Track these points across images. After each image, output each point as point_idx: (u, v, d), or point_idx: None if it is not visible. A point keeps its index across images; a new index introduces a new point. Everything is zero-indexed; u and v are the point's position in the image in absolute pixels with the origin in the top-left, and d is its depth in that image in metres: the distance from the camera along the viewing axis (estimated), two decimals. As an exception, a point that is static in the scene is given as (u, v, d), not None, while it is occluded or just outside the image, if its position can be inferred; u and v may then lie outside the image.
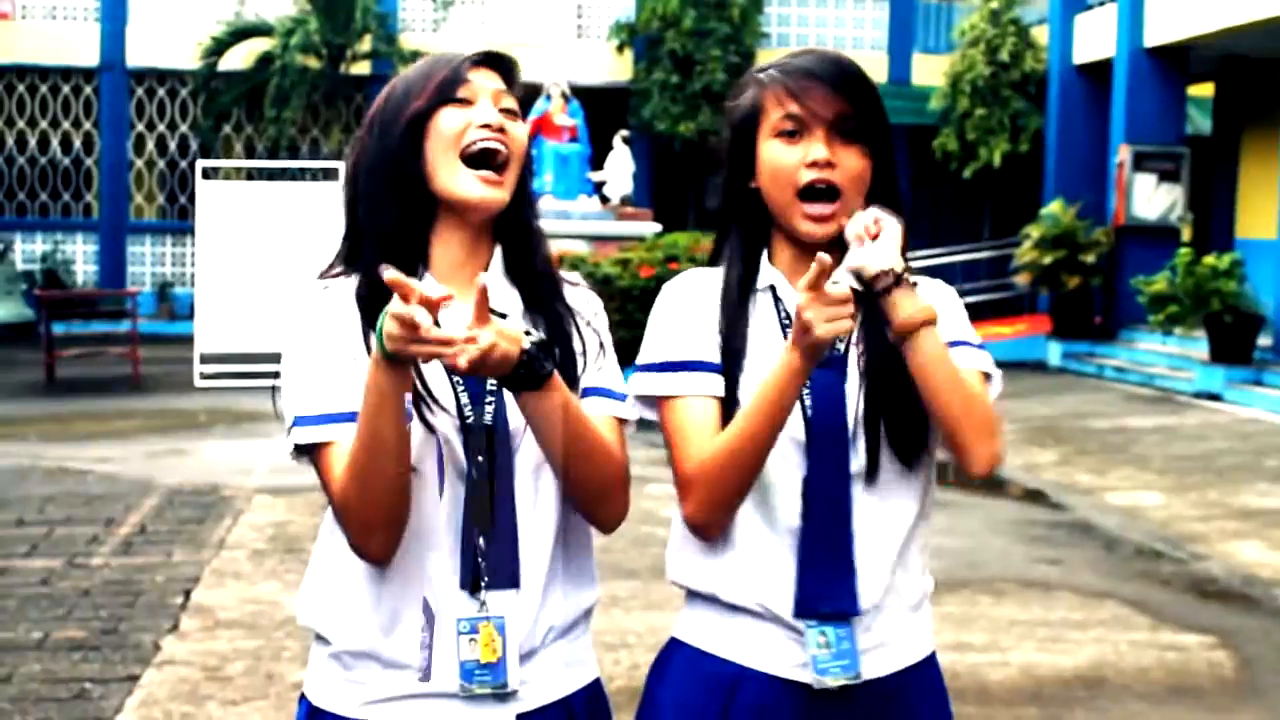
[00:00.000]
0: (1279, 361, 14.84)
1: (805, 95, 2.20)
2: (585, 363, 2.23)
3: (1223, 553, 8.17)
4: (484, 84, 2.17)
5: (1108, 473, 10.57)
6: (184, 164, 23.16)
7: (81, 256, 23.10)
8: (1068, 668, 6.03)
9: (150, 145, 23.44)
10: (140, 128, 23.37)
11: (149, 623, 6.37)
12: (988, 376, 2.28)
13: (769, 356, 2.20)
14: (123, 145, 23.02)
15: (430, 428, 2.09)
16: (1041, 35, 20.22)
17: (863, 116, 2.22)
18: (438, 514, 2.11)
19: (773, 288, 2.29)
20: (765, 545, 2.25)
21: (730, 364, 2.25)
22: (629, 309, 13.08)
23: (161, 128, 23.40)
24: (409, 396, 2.01)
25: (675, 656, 2.35)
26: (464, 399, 2.12)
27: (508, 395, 2.09)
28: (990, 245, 22.20)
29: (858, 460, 2.23)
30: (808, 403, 2.22)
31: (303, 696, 2.23)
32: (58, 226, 23.13)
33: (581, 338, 2.24)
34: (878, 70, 23.30)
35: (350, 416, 2.06)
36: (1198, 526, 8.80)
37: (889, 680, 2.28)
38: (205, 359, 15.37)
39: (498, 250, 2.23)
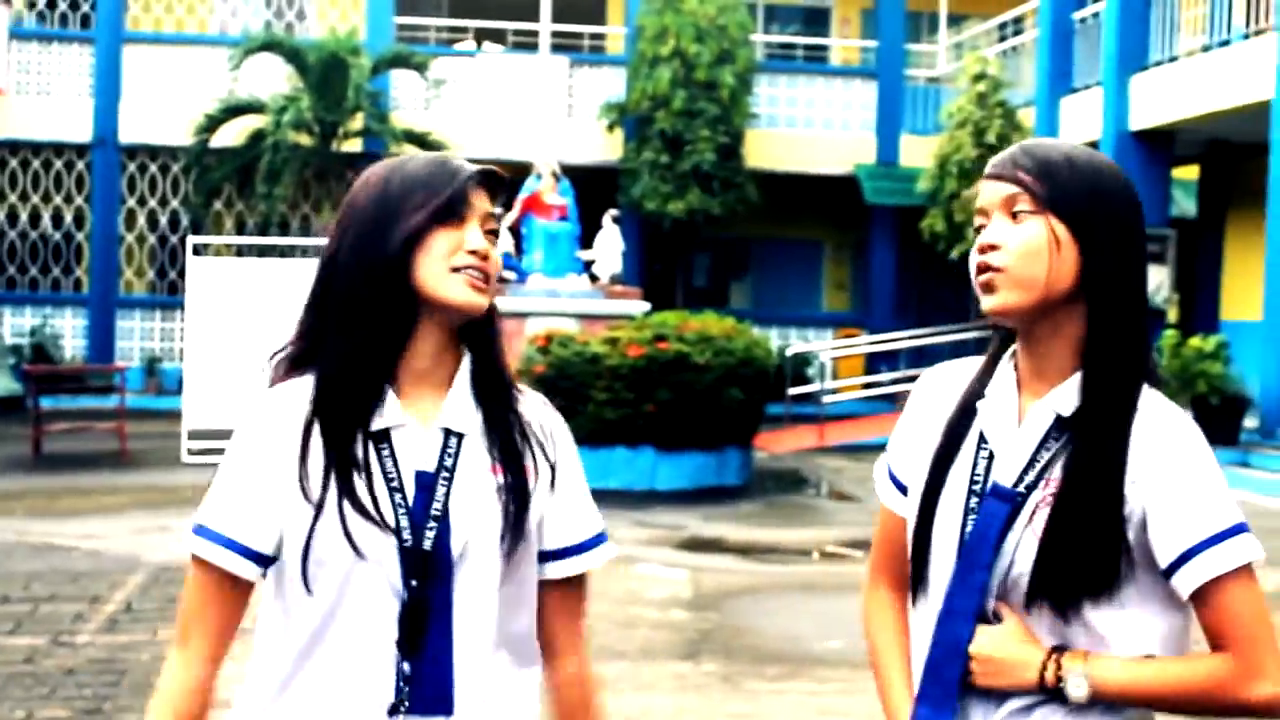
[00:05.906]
0: (1265, 444, 14.90)
1: (983, 191, 2.22)
2: (539, 481, 2.19)
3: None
4: (477, 204, 2.13)
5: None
6: (175, 239, 23.24)
7: (70, 331, 23.11)
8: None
9: (141, 220, 23.53)
10: (132, 203, 23.46)
11: (134, 702, 6.33)
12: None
13: (956, 475, 2.17)
14: (114, 220, 23.10)
15: (359, 552, 2.06)
16: (1028, 118, 20.40)
17: (1032, 192, 2.12)
18: (371, 637, 2.08)
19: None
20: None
21: (938, 473, 2.19)
22: (616, 387, 13.10)
23: (153, 203, 23.50)
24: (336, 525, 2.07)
25: None
26: (404, 521, 2.08)
27: (452, 520, 2.09)
28: (977, 326, 22.24)
29: (1001, 598, 2.09)
30: (968, 529, 2.12)
31: None
32: (47, 301, 23.17)
33: (534, 454, 2.19)
34: (865, 152, 23.51)
35: (247, 552, 2.09)
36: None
37: None
38: (193, 435, 15.34)
39: (466, 360, 2.18)
